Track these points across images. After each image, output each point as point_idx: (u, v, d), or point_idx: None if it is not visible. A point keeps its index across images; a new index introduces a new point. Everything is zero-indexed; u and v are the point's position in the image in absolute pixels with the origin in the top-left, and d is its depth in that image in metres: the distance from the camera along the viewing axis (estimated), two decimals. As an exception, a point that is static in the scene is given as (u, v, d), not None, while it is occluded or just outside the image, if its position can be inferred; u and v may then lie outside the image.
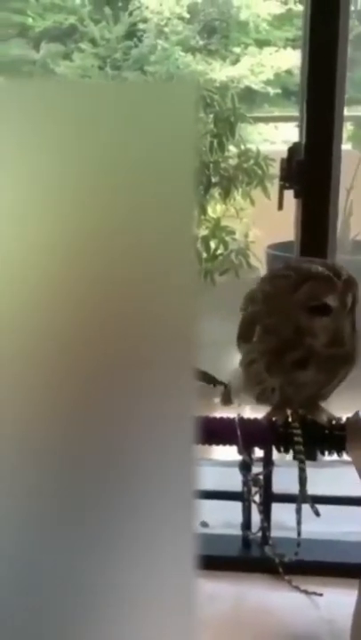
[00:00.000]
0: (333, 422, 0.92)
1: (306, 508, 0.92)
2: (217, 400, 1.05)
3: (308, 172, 1.25)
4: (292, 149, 1.28)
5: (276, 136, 4.13)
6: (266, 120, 4.43)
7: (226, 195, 2.17)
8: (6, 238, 0.37)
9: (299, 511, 0.93)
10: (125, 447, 0.39)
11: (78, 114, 0.36)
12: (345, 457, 0.92)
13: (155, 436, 0.39)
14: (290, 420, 0.93)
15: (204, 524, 1.00)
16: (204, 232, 2.20)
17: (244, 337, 0.91)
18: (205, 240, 2.18)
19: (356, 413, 0.77)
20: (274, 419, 0.94)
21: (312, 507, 0.92)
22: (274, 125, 4.36)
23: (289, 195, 1.30)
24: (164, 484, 0.39)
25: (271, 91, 4.55)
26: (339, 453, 0.92)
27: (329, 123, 1.24)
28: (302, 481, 0.93)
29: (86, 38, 4.74)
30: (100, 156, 0.37)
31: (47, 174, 0.37)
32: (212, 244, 2.21)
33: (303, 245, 1.29)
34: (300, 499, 0.93)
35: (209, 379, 1.04)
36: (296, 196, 1.28)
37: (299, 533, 0.93)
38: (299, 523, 0.93)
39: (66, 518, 0.40)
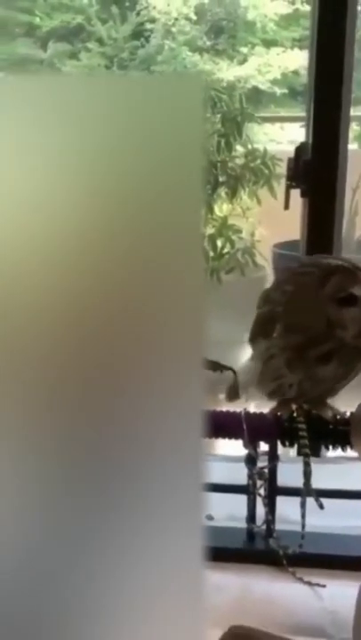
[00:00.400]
0: (338, 417, 0.94)
1: (310, 501, 0.94)
2: (222, 396, 1.06)
3: (315, 171, 1.26)
4: (299, 149, 1.29)
5: (283, 136, 4.13)
6: (272, 120, 4.43)
7: (233, 194, 2.18)
8: (13, 236, 0.37)
9: (303, 504, 0.95)
10: (135, 440, 0.39)
11: (85, 109, 0.37)
12: (349, 452, 0.94)
13: (164, 430, 0.39)
14: (295, 414, 0.94)
15: (210, 517, 1.01)
16: (210, 231, 2.21)
17: (262, 333, 0.93)
18: (212, 239, 2.20)
19: (360, 406, 0.78)
20: (279, 413, 0.95)
21: (316, 500, 0.94)
22: (280, 126, 4.36)
23: (295, 194, 1.31)
24: (172, 477, 0.39)
25: (278, 91, 4.55)
26: (343, 448, 0.93)
27: (336, 122, 1.25)
28: (307, 475, 0.94)
29: (93, 38, 4.75)
30: (106, 152, 0.37)
31: (52, 170, 0.37)
32: (219, 243, 2.22)
33: (309, 244, 1.30)
34: (304, 492, 0.94)
35: (215, 365, 1.05)
36: (302, 195, 1.29)
37: (303, 526, 0.95)
38: (303, 516, 0.95)
39: (76, 510, 0.40)
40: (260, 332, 0.94)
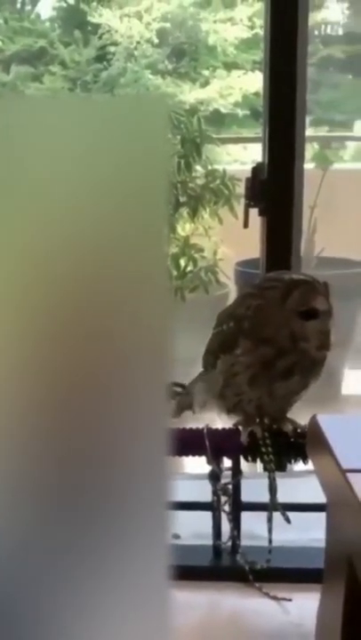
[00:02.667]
0: (298, 430, 0.95)
1: (274, 516, 0.95)
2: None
3: (271, 190, 1.29)
4: (256, 169, 1.32)
5: (246, 156, 4.18)
6: (234, 141, 4.49)
7: (194, 214, 2.21)
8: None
9: (270, 519, 0.96)
10: (100, 460, 0.40)
11: (49, 130, 0.37)
12: (310, 465, 0.95)
13: (129, 449, 0.39)
14: (258, 429, 0.96)
15: (176, 536, 1.02)
16: (173, 250, 2.23)
17: (223, 350, 0.94)
18: (175, 258, 2.22)
19: (314, 417, 0.80)
20: (241, 428, 0.96)
21: (283, 514, 0.95)
22: (243, 146, 4.42)
23: (254, 213, 1.34)
24: (138, 496, 0.40)
25: (240, 112, 4.62)
26: (304, 461, 0.95)
27: (290, 143, 1.28)
28: (273, 490, 0.95)
29: (56, 61, 4.77)
30: (71, 172, 0.37)
31: (15, 192, 0.37)
32: (182, 262, 2.24)
33: (269, 262, 1.32)
34: (271, 507, 0.95)
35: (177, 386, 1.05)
36: (260, 213, 1.32)
37: (270, 541, 0.96)
38: (270, 531, 0.96)
39: (38, 529, 0.40)
40: (221, 349, 0.95)
